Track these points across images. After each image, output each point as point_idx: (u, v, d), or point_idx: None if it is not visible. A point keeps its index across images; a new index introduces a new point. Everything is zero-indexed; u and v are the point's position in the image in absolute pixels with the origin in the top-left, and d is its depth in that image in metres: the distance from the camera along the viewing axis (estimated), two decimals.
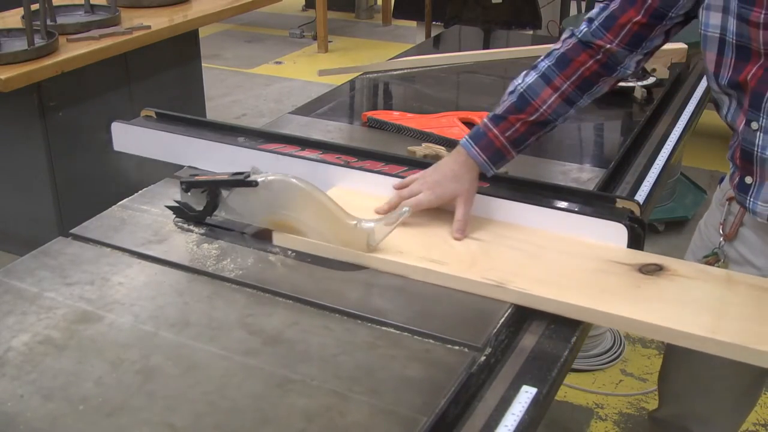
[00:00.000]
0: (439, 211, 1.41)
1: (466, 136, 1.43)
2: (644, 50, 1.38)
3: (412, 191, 1.41)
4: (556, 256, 1.31)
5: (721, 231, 1.43)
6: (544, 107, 1.39)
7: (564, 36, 1.43)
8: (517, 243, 1.34)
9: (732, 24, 1.22)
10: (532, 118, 1.39)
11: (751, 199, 1.31)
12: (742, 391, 1.56)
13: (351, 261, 1.30)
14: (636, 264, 1.28)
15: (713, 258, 1.44)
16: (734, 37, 1.23)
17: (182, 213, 1.41)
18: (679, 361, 1.60)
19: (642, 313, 1.15)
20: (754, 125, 1.25)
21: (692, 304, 1.19)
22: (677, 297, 1.21)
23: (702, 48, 1.30)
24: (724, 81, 1.28)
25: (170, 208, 1.42)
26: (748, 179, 1.31)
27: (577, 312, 1.17)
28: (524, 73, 1.43)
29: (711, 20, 1.25)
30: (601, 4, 1.40)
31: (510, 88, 1.43)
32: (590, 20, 1.39)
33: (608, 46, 1.36)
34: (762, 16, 1.17)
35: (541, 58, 1.43)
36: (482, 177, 1.43)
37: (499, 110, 1.41)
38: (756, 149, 1.26)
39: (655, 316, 1.15)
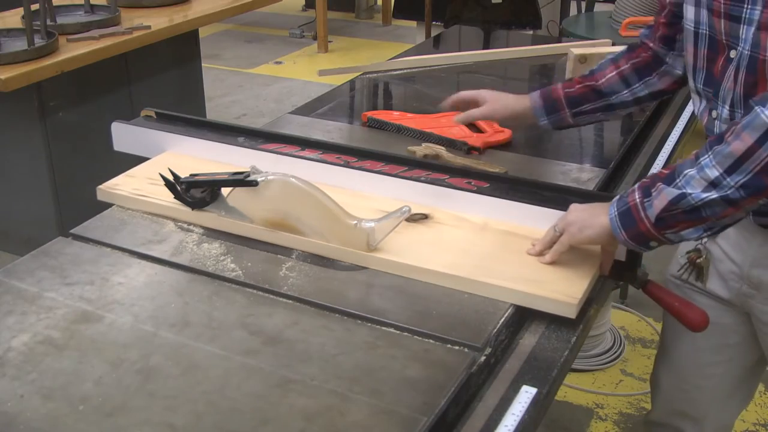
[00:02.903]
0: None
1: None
2: (681, 50, 1.44)
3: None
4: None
5: None
6: (603, 79, 1.57)
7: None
8: None
9: (704, 16, 1.27)
10: (590, 83, 1.58)
11: None
12: (732, 388, 1.56)
13: (351, 261, 1.30)
14: None
15: (695, 254, 1.46)
16: (707, 29, 1.28)
17: (173, 188, 1.40)
18: (667, 363, 1.60)
19: (391, 254, 1.28)
20: (714, 114, 1.29)
21: (441, 246, 1.32)
22: (430, 240, 1.34)
23: (684, 42, 1.36)
24: (698, 74, 1.32)
25: (164, 177, 1.41)
26: None
27: (334, 252, 1.31)
28: None
29: (688, 14, 1.32)
30: None
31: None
32: (649, 25, 1.56)
33: (651, 44, 1.54)
34: (722, 6, 1.21)
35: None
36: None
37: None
38: None
39: (401, 256, 1.28)
